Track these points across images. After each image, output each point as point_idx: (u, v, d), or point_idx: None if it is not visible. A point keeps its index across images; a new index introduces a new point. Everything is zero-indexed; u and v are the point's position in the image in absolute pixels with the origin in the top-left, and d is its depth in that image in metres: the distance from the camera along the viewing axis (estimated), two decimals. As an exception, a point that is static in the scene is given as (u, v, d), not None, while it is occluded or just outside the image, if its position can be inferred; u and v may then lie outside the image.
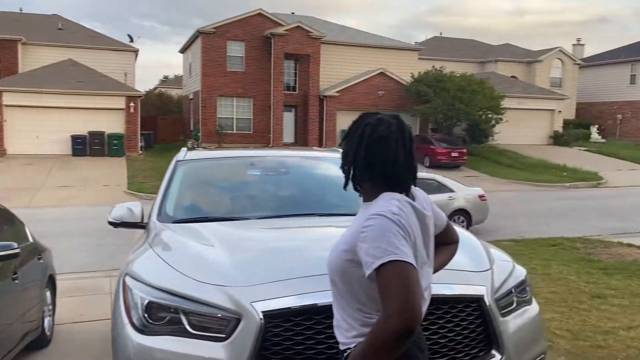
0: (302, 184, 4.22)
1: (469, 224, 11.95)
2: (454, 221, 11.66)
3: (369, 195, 1.86)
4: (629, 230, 12.14)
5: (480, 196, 12.31)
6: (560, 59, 39.60)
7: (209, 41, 29.36)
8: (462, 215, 12.00)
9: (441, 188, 12.12)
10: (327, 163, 4.37)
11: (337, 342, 1.88)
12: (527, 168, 26.21)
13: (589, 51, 52.96)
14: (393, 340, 1.57)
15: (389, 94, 30.35)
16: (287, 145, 29.56)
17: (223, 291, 2.42)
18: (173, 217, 3.65)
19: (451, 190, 12.16)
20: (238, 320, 2.33)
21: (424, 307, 1.87)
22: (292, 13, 35.37)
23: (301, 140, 30.68)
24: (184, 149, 4.65)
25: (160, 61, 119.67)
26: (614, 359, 4.44)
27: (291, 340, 2.27)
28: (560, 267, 7.78)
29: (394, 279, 1.60)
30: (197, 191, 4.18)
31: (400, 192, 1.82)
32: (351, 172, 1.88)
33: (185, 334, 2.40)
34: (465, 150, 26.71)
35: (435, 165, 24.63)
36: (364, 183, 1.88)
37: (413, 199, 1.87)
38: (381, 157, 1.81)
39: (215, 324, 2.38)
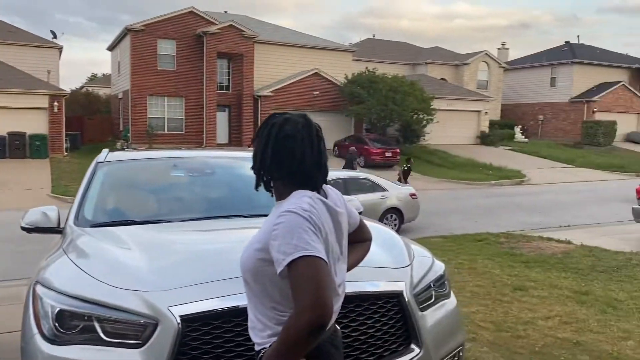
0: (228, 185, 4.14)
1: (401, 222, 12.24)
2: (387, 219, 11.92)
3: (281, 194, 1.86)
4: (548, 225, 12.83)
5: (412, 195, 12.63)
6: (486, 62, 41.25)
7: (138, 39, 28.48)
8: (395, 213, 12.26)
9: (375, 187, 12.34)
10: None
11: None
12: (456, 167, 27.14)
13: (513, 55, 55.66)
14: (305, 335, 1.57)
15: (324, 94, 30.51)
16: (220, 146, 29.10)
17: (139, 296, 2.34)
18: (91, 221, 3.49)
19: (384, 190, 12.39)
20: (155, 326, 2.26)
21: (338, 303, 1.88)
22: (225, 12, 34.89)
23: (235, 141, 30.31)
24: (105, 150, 4.48)
25: (88, 59, 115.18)
26: (532, 348, 4.65)
27: (210, 343, 2.22)
28: (485, 261, 8.10)
29: (305, 274, 1.59)
30: (118, 194, 4.02)
31: (312, 190, 1.82)
32: (261, 172, 1.87)
33: (99, 342, 2.31)
34: (398, 150, 27.30)
35: (370, 165, 25.02)
36: (275, 182, 1.88)
37: (325, 196, 1.88)
38: (288, 156, 1.81)
39: (130, 330, 2.30)
